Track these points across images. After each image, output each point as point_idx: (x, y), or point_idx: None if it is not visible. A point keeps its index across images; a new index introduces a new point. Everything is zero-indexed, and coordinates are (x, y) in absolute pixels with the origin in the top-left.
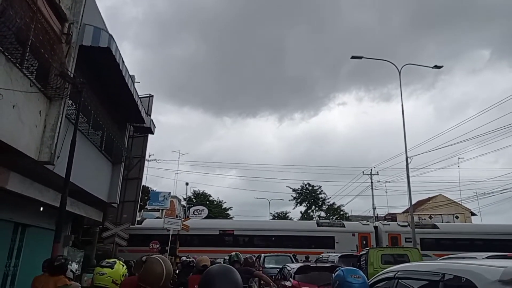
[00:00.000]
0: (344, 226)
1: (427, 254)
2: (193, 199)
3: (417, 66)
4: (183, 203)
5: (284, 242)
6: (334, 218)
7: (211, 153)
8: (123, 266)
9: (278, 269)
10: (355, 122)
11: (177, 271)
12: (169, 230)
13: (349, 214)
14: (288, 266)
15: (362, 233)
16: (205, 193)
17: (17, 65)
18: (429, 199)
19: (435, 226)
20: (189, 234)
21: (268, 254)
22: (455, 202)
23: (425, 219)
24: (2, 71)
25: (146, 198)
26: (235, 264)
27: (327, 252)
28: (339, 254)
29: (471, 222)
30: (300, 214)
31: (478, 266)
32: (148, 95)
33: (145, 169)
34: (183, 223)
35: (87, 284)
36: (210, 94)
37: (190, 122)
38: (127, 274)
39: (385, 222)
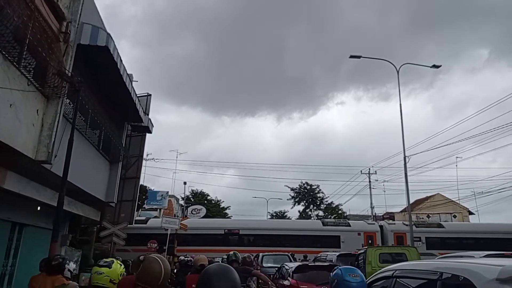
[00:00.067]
0: (349, 226)
1: (433, 253)
2: (191, 198)
3: (416, 66)
4: (181, 202)
5: (290, 242)
6: (333, 217)
7: (209, 152)
8: (120, 265)
9: (276, 268)
10: (354, 122)
11: (175, 271)
12: (167, 229)
13: (347, 213)
14: (286, 265)
15: (367, 232)
16: (203, 192)
17: (15, 63)
18: (427, 198)
19: (440, 225)
20: (194, 234)
21: (267, 253)
22: (453, 201)
23: (423, 218)
24: (0, 69)
25: (144, 197)
26: (233, 263)
27: (333, 252)
28: (337, 253)
29: (469, 221)
30: (298, 214)
31: (476, 264)
32: (146, 94)
33: (143, 168)
34: (181, 222)
35: (85, 283)
36: (209, 93)
37: (188, 121)
38: (125, 273)
39: (391, 221)
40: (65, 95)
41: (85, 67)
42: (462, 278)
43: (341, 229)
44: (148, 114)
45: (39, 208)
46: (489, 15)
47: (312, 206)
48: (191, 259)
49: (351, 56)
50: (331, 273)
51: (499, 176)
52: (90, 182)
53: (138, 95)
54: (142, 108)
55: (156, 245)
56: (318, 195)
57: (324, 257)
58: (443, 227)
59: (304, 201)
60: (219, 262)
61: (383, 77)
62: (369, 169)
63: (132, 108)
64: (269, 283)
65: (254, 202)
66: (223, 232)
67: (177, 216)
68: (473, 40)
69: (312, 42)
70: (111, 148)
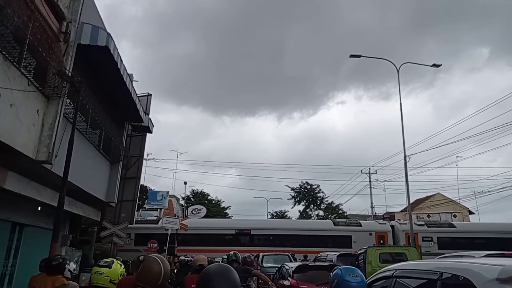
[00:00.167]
0: (360, 226)
1: (444, 253)
2: (192, 198)
3: (416, 65)
4: (182, 202)
5: (301, 242)
6: (333, 216)
7: (209, 152)
8: (120, 265)
9: (277, 268)
10: (354, 121)
11: (175, 271)
12: (167, 229)
13: (348, 213)
14: (286, 265)
15: (379, 232)
16: (204, 192)
17: (15, 64)
18: (427, 197)
19: (452, 225)
20: (204, 234)
21: (267, 253)
22: (453, 200)
23: (423, 217)
24: (0, 69)
25: (144, 197)
26: (233, 263)
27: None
28: (338, 253)
29: (469, 221)
30: (299, 213)
31: (476, 264)
32: (146, 93)
33: (143, 168)
34: (182, 222)
35: (85, 283)
36: (209, 93)
37: (188, 121)
38: (125, 273)
39: (402, 221)
40: (66, 95)
41: (85, 67)
42: (462, 278)
43: (353, 229)
44: (148, 114)
45: (39, 208)
46: (489, 14)
47: (312, 206)
48: (191, 259)
49: (351, 56)
50: (331, 273)
51: (499, 176)
52: (90, 182)
53: (138, 95)
54: (142, 108)
55: (156, 245)
56: (319, 194)
57: (324, 257)
58: (455, 226)
59: (305, 201)
60: (219, 262)
61: (383, 76)
62: (370, 168)
63: (132, 108)
64: (269, 283)
65: (254, 202)
66: (234, 232)
67: (178, 216)
68: (473, 39)
69: (312, 41)
70: (111, 148)
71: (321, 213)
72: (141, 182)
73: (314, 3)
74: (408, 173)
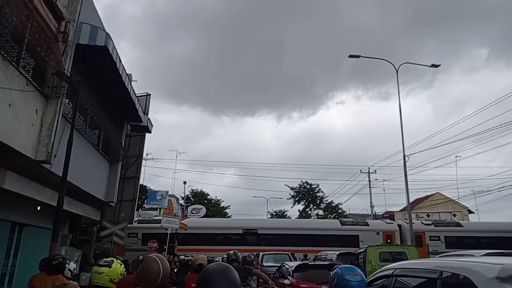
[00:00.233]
0: (368, 225)
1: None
2: (191, 198)
3: (415, 65)
4: (181, 202)
5: (308, 241)
6: (333, 216)
7: (209, 152)
8: (120, 265)
9: (277, 267)
10: (353, 121)
11: (175, 270)
12: (167, 229)
13: (347, 212)
14: (286, 264)
15: (386, 232)
16: (203, 192)
17: (13, 63)
18: (426, 197)
19: (459, 224)
20: (211, 233)
21: (267, 252)
22: (452, 200)
23: (422, 217)
24: None
25: (143, 197)
26: (233, 263)
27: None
28: (338, 252)
29: (469, 220)
30: (298, 213)
31: (476, 263)
32: (145, 93)
33: (142, 168)
34: (181, 222)
35: (85, 283)
36: (208, 92)
37: (188, 120)
38: (125, 273)
39: (408, 220)
40: (64, 95)
41: (84, 67)
42: (462, 276)
43: (360, 228)
44: (147, 114)
45: (39, 208)
46: (488, 15)
47: (312, 205)
48: (191, 258)
49: (350, 56)
50: (331, 272)
51: (498, 175)
52: (89, 182)
53: (137, 95)
54: (141, 107)
55: (156, 244)
56: (318, 194)
57: (324, 256)
58: (462, 226)
59: (304, 201)
60: (219, 261)
61: (383, 76)
62: (369, 168)
63: (131, 108)
64: (269, 282)
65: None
66: (241, 232)
67: (177, 216)
68: (472, 39)
69: (312, 41)
70: (110, 148)
71: (320, 212)
72: (141, 182)
73: (314, 3)
74: (408, 173)
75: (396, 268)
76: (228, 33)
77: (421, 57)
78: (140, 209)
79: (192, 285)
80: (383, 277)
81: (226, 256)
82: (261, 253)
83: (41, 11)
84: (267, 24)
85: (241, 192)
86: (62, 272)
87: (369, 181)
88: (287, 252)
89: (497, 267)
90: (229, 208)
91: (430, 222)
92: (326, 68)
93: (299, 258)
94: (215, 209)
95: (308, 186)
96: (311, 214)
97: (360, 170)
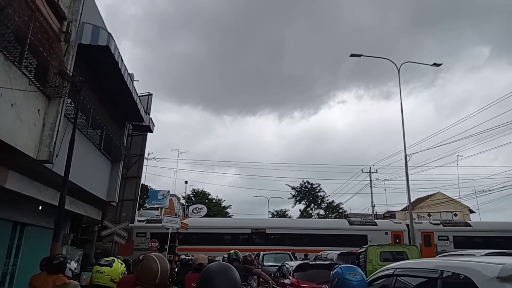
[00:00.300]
0: (376, 225)
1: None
2: (192, 198)
3: (417, 64)
4: (182, 201)
5: (317, 241)
6: (334, 216)
7: (210, 151)
8: (121, 264)
9: (277, 267)
10: (355, 120)
11: (176, 269)
12: (168, 228)
13: (348, 212)
14: (287, 264)
15: (395, 231)
16: (204, 192)
17: (16, 63)
18: (428, 196)
19: (467, 224)
20: (220, 233)
21: (268, 252)
22: (453, 199)
23: (424, 216)
24: (1, 69)
25: (145, 196)
26: (234, 262)
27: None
28: (338, 252)
29: (470, 220)
30: (299, 212)
31: (477, 263)
32: (147, 93)
33: (144, 167)
34: (182, 221)
35: (86, 282)
36: (210, 92)
37: (189, 120)
38: (126, 272)
39: (417, 220)
40: (66, 95)
41: (86, 66)
42: (462, 276)
43: (368, 228)
44: (149, 114)
45: (40, 207)
46: (489, 13)
47: (313, 205)
48: (192, 257)
49: (352, 55)
50: (331, 272)
51: (500, 175)
52: (91, 182)
53: (139, 95)
54: (143, 107)
55: (157, 244)
56: (319, 194)
57: (325, 256)
58: (471, 225)
59: (305, 200)
60: (219, 261)
61: (384, 75)
62: (370, 167)
63: (133, 108)
64: (270, 281)
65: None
66: (251, 231)
67: (178, 215)
68: (474, 38)
69: (312, 41)
70: (112, 148)
71: (321, 212)
72: (142, 182)
73: (314, 3)
74: (409, 172)
75: (397, 268)
76: (229, 32)
77: (422, 57)
78: (141, 209)
79: (192, 284)
80: (384, 277)
81: (226, 255)
82: (261, 253)
83: (43, 11)
84: (268, 24)
85: (242, 192)
86: (63, 271)
87: (370, 180)
88: (287, 252)
89: (498, 266)
90: (230, 208)
91: (438, 222)
92: (327, 68)
93: (300, 258)
94: (216, 208)
95: (309, 186)
96: (312, 214)
97: (361, 170)
